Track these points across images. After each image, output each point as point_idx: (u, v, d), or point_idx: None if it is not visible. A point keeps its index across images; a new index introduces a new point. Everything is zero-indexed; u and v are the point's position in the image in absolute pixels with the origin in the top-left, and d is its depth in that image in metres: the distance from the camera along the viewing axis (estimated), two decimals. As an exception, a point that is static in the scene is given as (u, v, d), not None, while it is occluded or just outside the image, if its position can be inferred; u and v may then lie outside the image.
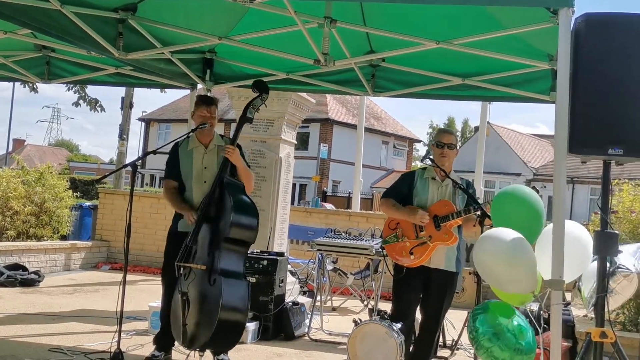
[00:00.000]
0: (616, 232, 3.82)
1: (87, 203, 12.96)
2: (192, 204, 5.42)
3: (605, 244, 3.71)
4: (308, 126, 37.72)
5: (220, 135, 5.70)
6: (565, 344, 5.82)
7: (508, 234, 4.35)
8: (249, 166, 5.58)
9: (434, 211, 5.21)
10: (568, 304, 6.79)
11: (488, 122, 24.19)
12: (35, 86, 18.18)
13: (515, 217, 4.59)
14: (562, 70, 3.90)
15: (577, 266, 4.29)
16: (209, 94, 6.75)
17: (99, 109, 20.00)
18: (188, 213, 5.31)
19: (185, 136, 5.63)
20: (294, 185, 9.18)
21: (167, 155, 5.64)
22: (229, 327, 5.01)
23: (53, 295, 8.43)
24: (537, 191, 4.83)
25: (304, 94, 8.50)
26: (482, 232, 4.81)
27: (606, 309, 3.72)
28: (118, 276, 5.39)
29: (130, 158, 22.53)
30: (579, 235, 4.35)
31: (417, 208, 5.23)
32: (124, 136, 18.94)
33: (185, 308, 4.97)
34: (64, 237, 11.22)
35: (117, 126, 18.74)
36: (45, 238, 10.71)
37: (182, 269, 5.12)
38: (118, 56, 6.08)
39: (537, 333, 5.07)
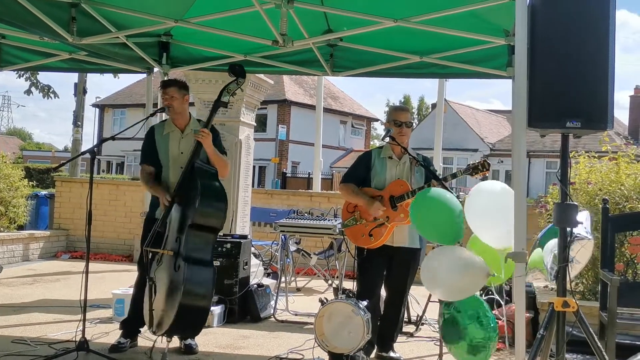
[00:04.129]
0: (575, 203, 3.89)
1: (43, 192, 12.68)
2: (168, 191, 5.35)
3: (565, 215, 3.77)
4: (266, 108, 37.53)
5: (198, 119, 5.59)
6: (527, 314, 5.93)
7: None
8: (225, 153, 5.49)
9: (390, 191, 5.25)
10: (528, 275, 6.91)
11: (445, 99, 24.41)
12: (-17, 74, 17.74)
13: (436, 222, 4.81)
14: (519, 45, 3.95)
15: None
16: (166, 78, 6.68)
17: (51, 95, 19.50)
18: (162, 195, 5.20)
19: (156, 119, 5.52)
20: (253, 167, 9.13)
21: (131, 141, 5.55)
22: (192, 312, 5.00)
23: (13, 286, 8.29)
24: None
25: (261, 75, 8.44)
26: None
27: (567, 279, 3.80)
28: (78, 264, 5.34)
29: (85, 145, 22.17)
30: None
31: (373, 198, 5.26)
32: (79, 123, 18.60)
33: (152, 293, 4.95)
34: (20, 227, 10.99)
35: (70, 113, 18.39)
36: (2, 229, 10.49)
37: (151, 254, 5.08)
38: (72, 41, 5.96)
39: (499, 305, 5.18)
